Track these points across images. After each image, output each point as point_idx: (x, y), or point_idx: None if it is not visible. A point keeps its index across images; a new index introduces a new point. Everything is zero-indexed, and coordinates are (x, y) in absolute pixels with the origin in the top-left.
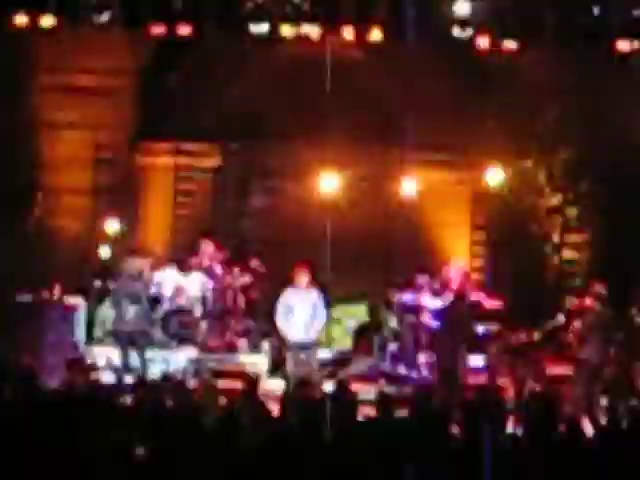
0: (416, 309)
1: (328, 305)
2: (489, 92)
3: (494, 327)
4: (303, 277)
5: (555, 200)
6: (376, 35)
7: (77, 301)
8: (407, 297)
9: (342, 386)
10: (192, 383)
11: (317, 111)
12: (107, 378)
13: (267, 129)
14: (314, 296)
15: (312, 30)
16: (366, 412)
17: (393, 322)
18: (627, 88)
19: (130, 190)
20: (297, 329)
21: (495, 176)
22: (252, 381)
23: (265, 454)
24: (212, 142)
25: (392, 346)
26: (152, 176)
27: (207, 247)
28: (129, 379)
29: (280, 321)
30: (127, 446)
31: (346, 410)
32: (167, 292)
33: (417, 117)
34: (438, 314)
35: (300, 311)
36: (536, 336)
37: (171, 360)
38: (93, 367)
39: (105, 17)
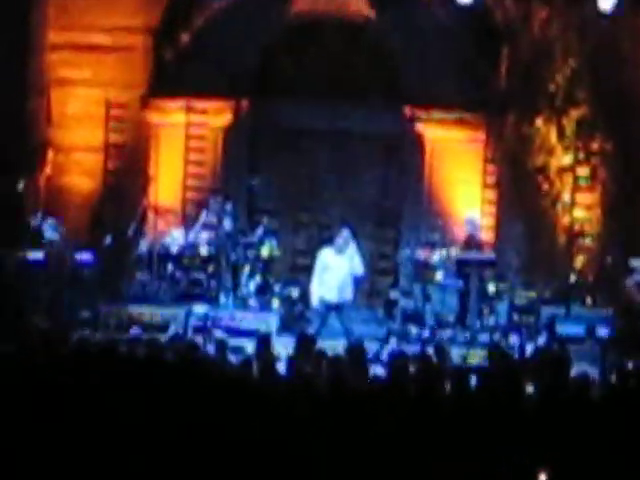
0: (427, 265)
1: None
2: (500, 51)
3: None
4: (340, 236)
5: (566, 159)
6: None
7: (88, 258)
8: (419, 254)
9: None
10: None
11: (328, 69)
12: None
13: (278, 87)
14: (351, 255)
15: None
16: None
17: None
18: (636, 45)
19: (141, 147)
20: (330, 288)
21: None
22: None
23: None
24: (224, 100)
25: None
26: (163, 134)
27: (217, 204)
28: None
29: (315, 279)
30: None
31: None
32: (175, 250)
33: (429, 75)
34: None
35: (336, 270)
36: (547, 294)
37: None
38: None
39: None
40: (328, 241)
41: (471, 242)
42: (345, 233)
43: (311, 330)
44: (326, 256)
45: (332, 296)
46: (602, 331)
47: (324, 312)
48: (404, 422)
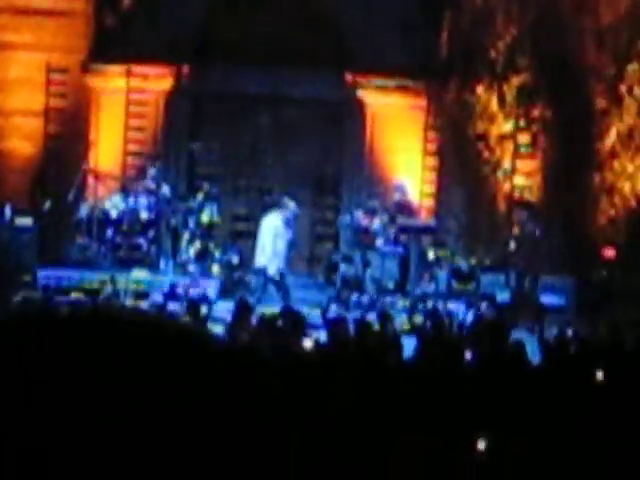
0: (367, 232)
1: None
2: (442, 18)
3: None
4: (289, 209)
5: (507, 126)
6: None
7: (27, 222)
8: (360, 220)
9: None
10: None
11: (269, 34)
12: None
13: (220, 52)
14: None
15: None
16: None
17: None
18: (578, 13)
19: (82, 112)
20: (282, 257)
21: None
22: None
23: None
24: (165, 65)
25: (343, 269)
26: (104, 99)
27: (155, 170)
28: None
29: (267, 247)
30: None
31: None
32: (115, 215)
33: (371, 42)
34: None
35: (284, 239)
36: (487, 261)
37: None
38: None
39: None
40: (271, 207)
41: (401, 208)
42: (293, 206)
43: (252, 296)
44: (275, 224)
45: (282, 265)
46: (542, 298)
47: (278, 280)
48: (344, 388)
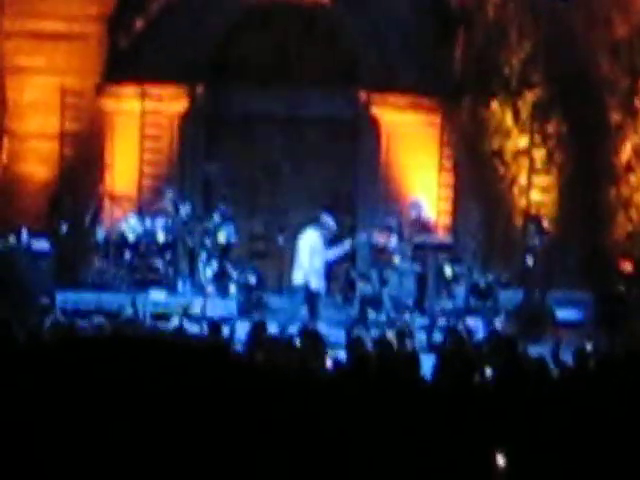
0: (384, 250)
1: None
2: (456, 35)
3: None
4: (328, 225)
5: (522, 142)
6: None
7: (44, 246)
8: (376, 239)
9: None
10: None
11: (283, 54)
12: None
13: (234, 73)
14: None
15: None
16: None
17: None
18: (591, 26)
19: (97, 135)
20: (316, 274)
21: None
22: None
23: None
24: (179, 86)
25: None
26: (119, 121)
27: (172, 194)
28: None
29: (303, 260)
30: None
31: None
32: (132, 238)
33: (384, 59)
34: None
35: (321, 256)
36: (504, 278)
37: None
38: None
39: None
40: (309, 223)
41: (417, 225)
42: (332, 223)
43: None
44: (313, 239)
45: (318, 283)
46: (560, 314)
47: (305, 297)
48: (363, 406)
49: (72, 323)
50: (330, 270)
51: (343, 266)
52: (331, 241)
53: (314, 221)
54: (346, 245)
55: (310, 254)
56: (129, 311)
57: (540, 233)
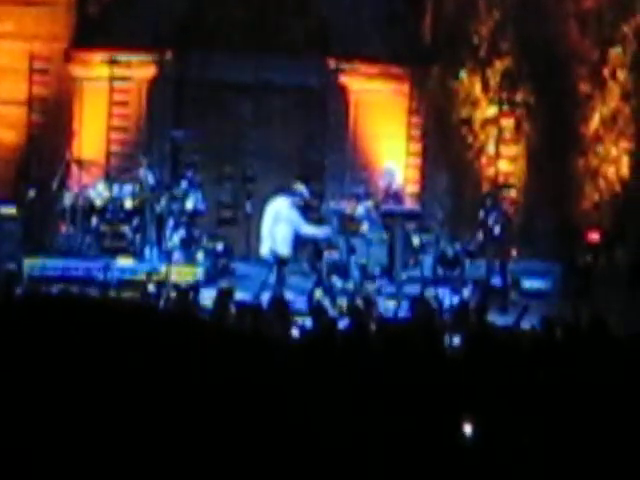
0: (351, 218)
1: None
2: (425, 3)
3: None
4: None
5: (491, 111)
6: None
7: (11, 211)
8: (344, 206)
9: None
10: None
11: (252, 21)
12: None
13: (203, 39)
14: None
15: None
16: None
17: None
18: None
19: (65, 101)
20: (282, 241)
21: None
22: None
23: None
24: (147, 52)
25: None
26: (87, 87)
27: (142, 159)
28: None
29: (266, 229)
30: None
31: None
32: (99, 204)
33: (353, 27)
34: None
35: (289, 224)
36: (471, 247)
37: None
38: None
39: None
40: (280, 191)
41: (389, 192)
42: (304, 190)
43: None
44: (280, 207)
45: (283, 250)
46: (527, 283)
47: (272, 265)
48: (329, 374)
49: (38, 290)
50: (299, 240)
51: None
52: (304, 210)
53: (286, 189)
54: (326, 230)
55: (273, 221)
56: (99, 277)
57: (496, 208)
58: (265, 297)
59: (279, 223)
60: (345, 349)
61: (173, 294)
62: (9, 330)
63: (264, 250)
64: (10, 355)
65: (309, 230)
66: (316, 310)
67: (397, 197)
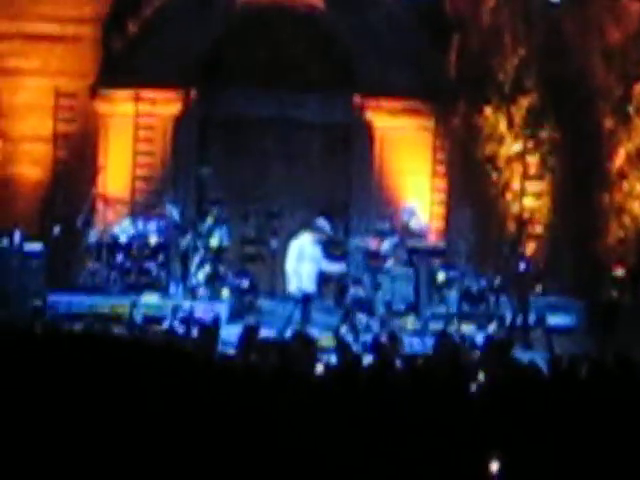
0: (377, 254)
1: None
2: (450, 40)
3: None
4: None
5: (515, 148)
6: None
7: (37, 248)
8: (369, 243)
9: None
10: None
11: (277, 58)
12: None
13: (228, 76)
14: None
15: None
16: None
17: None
18: (585, 33)
19: (90, 137)
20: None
21: None
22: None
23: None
24: (172, 89)
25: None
26: (112, 124)
27: (168, 195)
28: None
29: (290, 266)
30: None
31: None
32: (124, 240)
33: (379, 64)
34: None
35: (312, 261)
36: (496, 282)
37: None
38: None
39: None
40: (303, 227)
41: (409, 231)
42: (327, 227)
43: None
44: (304, 243)
45: (309, 287)
46: (552, 319)
47: (299, 302)
48: (355, 410)
49: (61, 325)
50: (323, 276)
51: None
52: (326, 246)
53: (309, 225)
54: (341, 266)
55: (297, 258)
56: (126, 313)
57: (520, 244)
58: (289, 333)
59: (303, 260)
60: (369, 384)
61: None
62: (30, 365)
63: (292, 287)
64: (28, 389)
65: (326, 267)
66: (341, 346)
67: (418, 235)
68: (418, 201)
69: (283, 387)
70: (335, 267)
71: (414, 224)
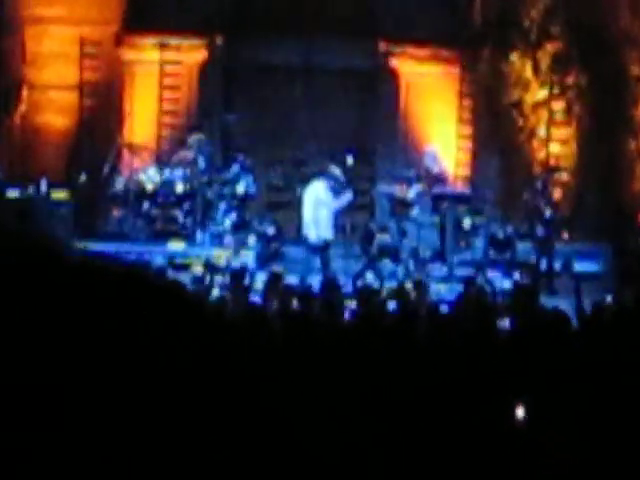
0: (403, 201)
1: None
2: None
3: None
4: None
5: (541, 94)
6: None
7: (63, 196)
8: (395, 189)
9: None
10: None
11: (302, 5)
12: None
13: (253, 23)
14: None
15: None
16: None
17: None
18: None
19: (116, 85)
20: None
21: None
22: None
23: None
24: (198, 36)
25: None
26: (138, 71)
27: (196, 141)
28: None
29: (308, 215)
30: None
31: None
32: (150, 188)
33: (404, 10)
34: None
35: (328, 207)
36: (522, 230)
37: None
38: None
39: None
40: (310, 177)
41: (430, 175)
42: (338, 172)
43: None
44: (318, 191)
45: (327, 234)
46: (578, 265)
47: (317, 250)
48: (377, 357)
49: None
50: (337, 220)
51: (361, 217)
52: (337, 192)
53: (321, 172)
54: (348, 195)
55: (314, 206)
56: (158, 261)
57: (546, 190)
58: (314, 280)
59: (320, 208)
60: (392, 332)
61: (222, 278)
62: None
63: (312, 235)
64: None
65: (335, 205)
66: (365, 293)
67: (439, 180)
68: (443, 147)
69: (298, 335)
70: (342, 200)
71: (435, 167)
